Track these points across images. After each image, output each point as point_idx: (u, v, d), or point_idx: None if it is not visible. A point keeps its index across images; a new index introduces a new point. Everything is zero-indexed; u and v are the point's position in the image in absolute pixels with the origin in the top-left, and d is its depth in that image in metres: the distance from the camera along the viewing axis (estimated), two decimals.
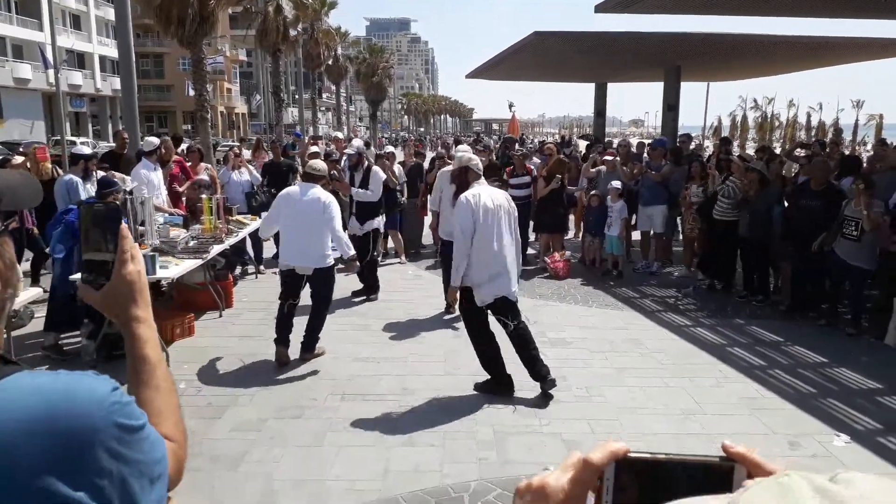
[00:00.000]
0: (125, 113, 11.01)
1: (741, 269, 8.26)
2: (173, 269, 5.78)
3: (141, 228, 6.13)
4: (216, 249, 6.66)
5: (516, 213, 5.21)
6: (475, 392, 5.12)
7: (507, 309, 5.07)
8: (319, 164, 6.10)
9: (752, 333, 6.72)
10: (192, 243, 6.59)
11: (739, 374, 5.58)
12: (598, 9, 11.76)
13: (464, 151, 5.68)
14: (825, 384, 5.42)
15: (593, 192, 9.48)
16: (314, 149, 10.56)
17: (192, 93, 19.43)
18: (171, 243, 6.32)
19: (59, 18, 44.62)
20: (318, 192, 5.71)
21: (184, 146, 10.70)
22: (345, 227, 6.23)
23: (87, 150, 6.71)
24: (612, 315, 7.33)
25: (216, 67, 60.45)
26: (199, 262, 6.22)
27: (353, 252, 5.93)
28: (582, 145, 18.23)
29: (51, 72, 26.71)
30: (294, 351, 5.79)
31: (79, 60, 47.37)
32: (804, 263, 7.05)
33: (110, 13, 47.59)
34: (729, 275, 8.34)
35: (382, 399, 4.98)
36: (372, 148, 14.35)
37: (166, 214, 7.41)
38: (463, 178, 5.11)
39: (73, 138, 38.60)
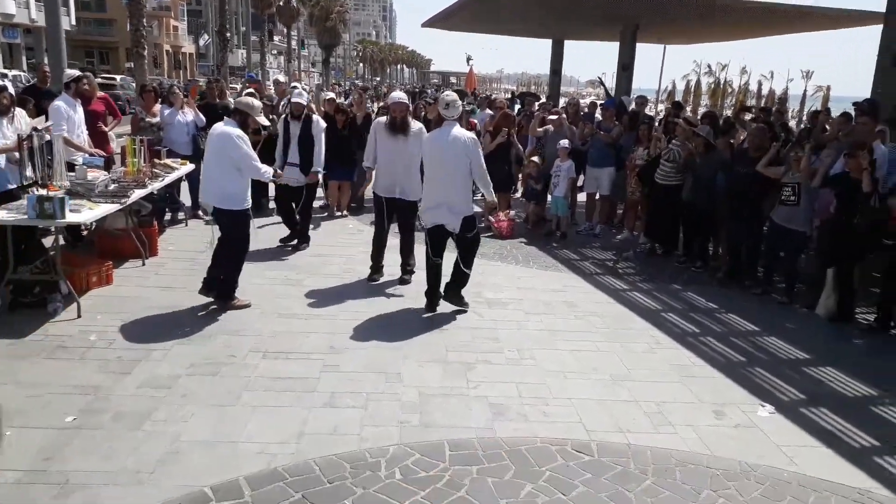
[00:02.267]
0: (50, 45, 10.31)
1: (682, 234, 8.26)
2: (86, 213, 5.38)
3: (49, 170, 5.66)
4: (137, 194, 6.26)
5: (470, 155, 5.62)
6: (404, 351, 4.96)
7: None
8: (247, 99, 5.76)
9: (687, 300, 6.73)
10: (111, 187, 6.16)
11: (672, 341, 5.56)
12: None
13: (447, 95, 5.92)
14: (755, 353, 5.45)
15: (533, 157, 9.29)
16: (250, 90, 10.03)
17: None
18: (87, 186, 5.89)
19: None
20: (226, 126, 5.42)
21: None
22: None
23: None
24: (550, 277, 7.24)
25: (162, 3, 57.73)
26: (116, 207, 5.82)
27: (269, 173, 5.69)
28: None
29: None
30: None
31: None
32: (739, 230, 7.08)
33: None
34: (672, 240, 8.33)
35: (307, 357, 4.78)
36: (324, 92, 13.83)
37: (85, 155, 6.91)
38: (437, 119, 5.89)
39: (5, 71, 36.46)
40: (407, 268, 6.72)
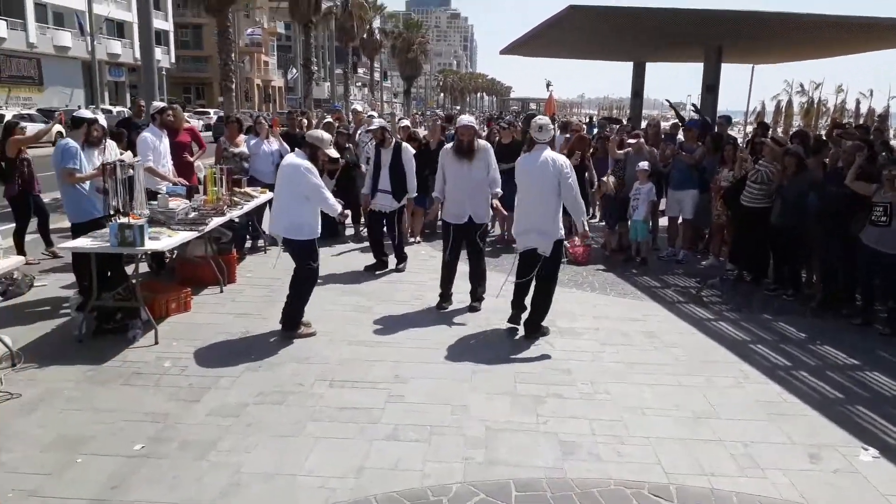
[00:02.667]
0: (143, 80, 10.86)
1: (772, 259, 7.76)
2: (165, 240, 5.55)
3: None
4: (215, 222, 6.42)
5: (559, 177, 5.56)
6: (472, 382, 4.81)
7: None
8: (317, 133, 5.90)
9: (778, 330, 6.27)
10: (191, 215, 6.35)
11: (761, 375, 5.16)
12: None
13: (540, 119, 5.91)
14: (854, 389, 4.98)
15: (610, 178, 8.98)
16: (328, 120, 10.24)
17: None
18: (168, 214, 6.09)
19: None
20: (295, 158, 5.53)
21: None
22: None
23: (88, 114, 6.49)
24: (629, 305, 6.93)
25: (254, 39, 60.65)
26: (194, 234, 5.98)
27: (338, 209, 5.69)
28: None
29: (89, 39, 26.90)
30: None
31: (118, 30, 47.68)
32: (834, 254, 6.57)
33: None
34: (761, 267, 7.83)
35: (373, 386, 4.70)
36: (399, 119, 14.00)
37: (169, 184, 7.18)
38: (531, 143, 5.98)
39: (111, 107, 39.09)
40: (476, 295, 6.58)
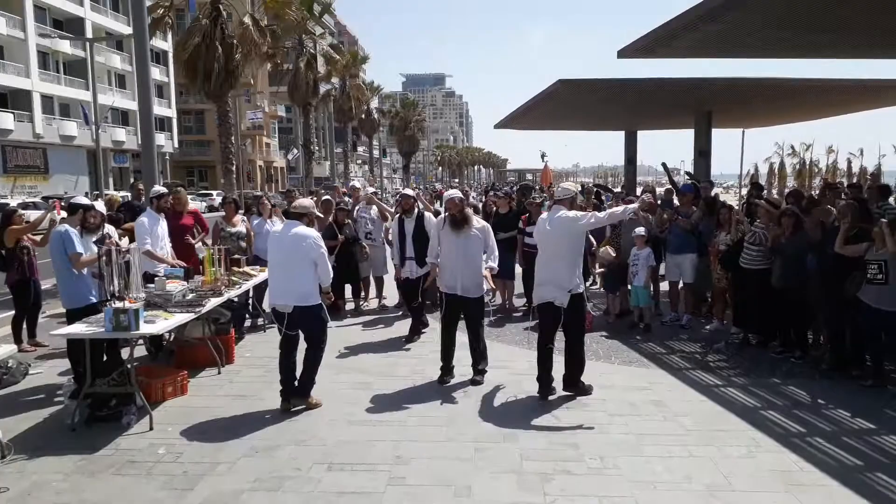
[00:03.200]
0: (143, 165, 11.03)
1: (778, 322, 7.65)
2: (161, 323, 5.48)
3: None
4: (213, 303, 6.37)
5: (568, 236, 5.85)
6: (475, 461, 4.64)
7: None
8: (304, 201, 6.12)
9: (789, 395, 6.11)
10: (188, 296, 6.31)
11: (774, 443, 4.99)
12: (620, 54, 11.53)
13: (568, 186, 6.57)
14: (872, 455, 4.80)
15: (606, 247, 8.98)
16: (326, 197, 10.35)
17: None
18: (165, 296, 6.05)
19: (105, 78, 46.46)
20: (299, 228, 5.68)
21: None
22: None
23: (85, 201, 6.53)
24: (635, 373, 6.79)
25: (255, 122, 62.24)
26: (191, 316, 5.92)
27: (328, 283, 5.86)
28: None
29: (94, 128, 27.57)
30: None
31: (123, 118, 49.04)
32: (839, 314, 6.49)
33: (155, 72, 49.45)
34: (767, 330, 7.71)
35: (372, 469, 4.53)
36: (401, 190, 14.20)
37: (167, 266, 7.17)
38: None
39: (114, 192, 39.73)
40: (478, 367, 6.46)
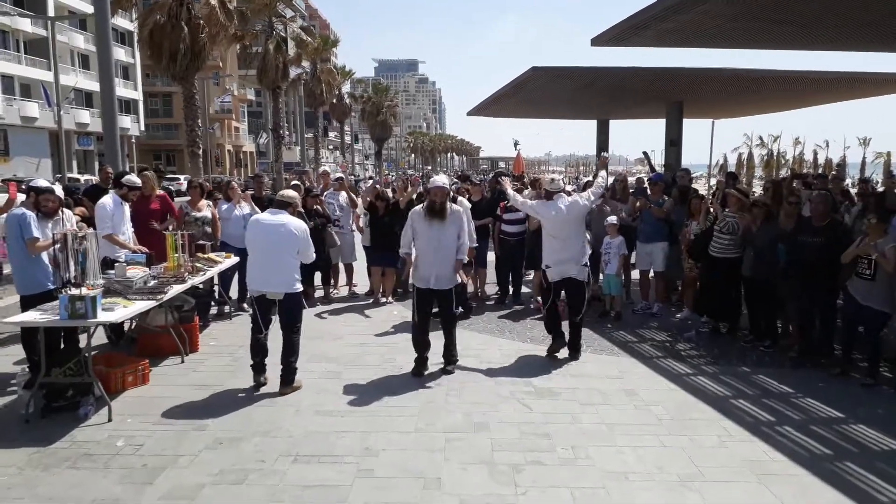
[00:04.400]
0: (106, 148, 10.69)
1: (746, 310, 7.70)
2: (120, 311, 5.27)
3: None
4: (175, 290, 6.17)
5: (580, 218, 6.84)
6: (446, 452, 4.55)
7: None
8: (290, 192, 6.11)
9: (759, 383, 6.13)
10: (150, 283, 6.10)
11: (745, 432, 4.98)
12: (594, 42, 11.48)
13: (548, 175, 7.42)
14: (842, 444, 4.81)
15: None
16: (295, 182, 10.14)
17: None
18: (125, 283, 5.84)
19: (68, 58, 45.17)
20: (286, 217, 5.78)
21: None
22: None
23: (43, 183, 6.25)
24: (606, 362, 6.75)
25: (224, 106, 61.14)
26: (152, 303, 5.72)
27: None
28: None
29: (56, 109, 26.78)
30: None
31: (87, 99, 47.75)
32: (810, 303, 6.52)
33: (119, 53, 48.23)
34: (732, 316, 7.77)
35: (340, 461, 4.42)
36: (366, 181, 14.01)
37: (128, 252, 6.92)
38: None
39: (78, 175, 38.71)
40: (451, 358, 6.37)
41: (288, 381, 5.73)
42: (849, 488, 4.14)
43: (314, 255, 6.01)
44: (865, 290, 6.01)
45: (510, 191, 7.43)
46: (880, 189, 10.60)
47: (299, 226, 5.82)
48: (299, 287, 5.83)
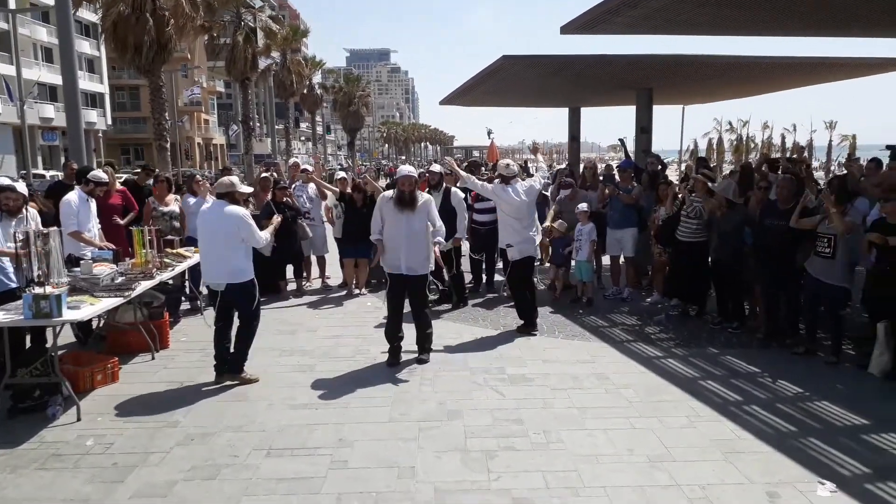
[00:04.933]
0: (70, 142, 10.48)
1: (714, 293, 7.83)
2: (86, 309, 5.19)
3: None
4: (143, 286, 6.10)
5: (533, 201, 7.39)
6: (419, 440, 4.58)
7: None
8: (226, 180, 5.94)
9: (726, 364, 6.25)
10: (118, 280, 6.02)
11: (713, 412, 5.09)
12: (563, 30, 11.50)
13: (503, 161, 7.74)
14: (806, 421, 4.94)
15: (559, 220, 9.00)
16: (265, 174, 10.05)
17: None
18: (92, 280, 5.75)
19: (31, 51, 44.10)
20: (227, 207, 5.69)
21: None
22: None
23: (3, 181, 6.10)
24: (578, 347, 6.83)
25: (193, 99, 60.17)
26: (119, 300, 5.65)
27: (266, 240, 5.95)
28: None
29: (18, 104, 26.16)
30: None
31: (51, 93, 46.69)
32: (775, 285, 6.66)
33: (84, 45, 47.22)
34: (699, 298, 7.90)
35: (313, 453, 4.42)
36: (349, 174, 13.93)
37: (94, 249, 6.82)
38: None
39: (44, 171, 37.90)
40: (423, 346, 6.38)
41: (234, 369, 5.77)
42: (813, 463, 4.25)
43: (263, 239, 5.81)
44: (825, 268, 6.14)
45: (462, 173, 7.80)
46: (842, 173, 10.78)
47: (236, 212, 5.65)
48: (246, 277, 5.72)
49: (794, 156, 19.58)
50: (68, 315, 4.99)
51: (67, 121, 10.47)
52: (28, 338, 5.78)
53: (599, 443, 4.56)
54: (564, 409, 5.16)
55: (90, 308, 5.24)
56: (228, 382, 5.73)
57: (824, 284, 6.16)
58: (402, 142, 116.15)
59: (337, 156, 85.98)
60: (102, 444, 4.61)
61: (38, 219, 6.34)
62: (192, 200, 8.51)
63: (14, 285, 5.62)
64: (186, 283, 8.41)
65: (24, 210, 6.03)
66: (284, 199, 8.95)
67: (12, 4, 38.57)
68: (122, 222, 8.17)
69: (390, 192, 6.40)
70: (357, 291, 9.35)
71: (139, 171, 10.18)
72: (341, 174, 10.59)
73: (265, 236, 5.89)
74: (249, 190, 6.08)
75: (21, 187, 6.27)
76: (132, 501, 3.83)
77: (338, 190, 9.44)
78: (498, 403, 5.29)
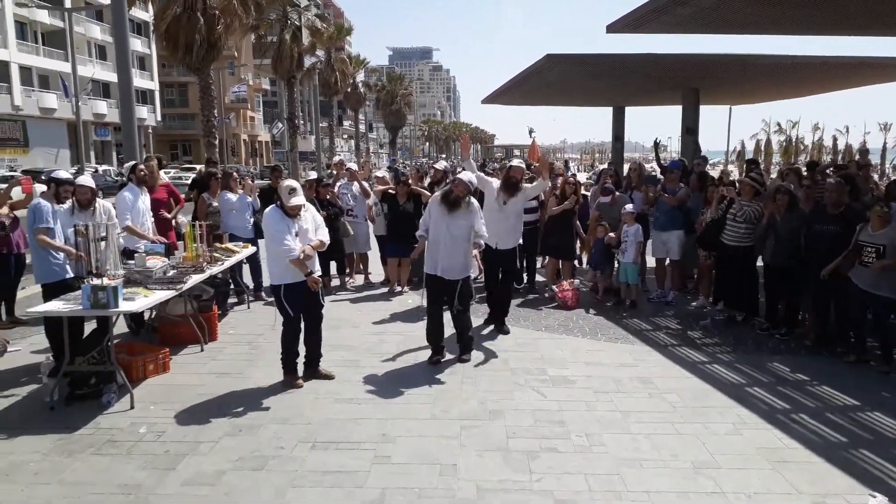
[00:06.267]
0: (124, 138, 10.81)
1: (763, 298, 7.67)
2: (140, 301, 5.37)
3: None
4: (194, 279, 6.26)
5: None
6: (461, 438, 4.61)
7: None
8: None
9: (774, 371, 6.13)
10: (169, 273, 6.19)
11: (759, 420, 5.00)
12: (609, 29, 11.40)
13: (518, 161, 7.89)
14: (857, 432, 4.82)
15: (601, 222, 8.94)
16: (312, 174, 10.19)
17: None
18: (145, 273, 5.93)
19: (85, 49, 45.51)
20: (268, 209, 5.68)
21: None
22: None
23: (64, 175, 6.36)
24: (621, 350, 6.78)
25: (239, 96, 61.35)
26: (172, 293, 5.81)
27: (293, 254, 5.43)
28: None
29: (74, 100, 27.02)
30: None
31: (104, 90, 48.14)
32: (824, 291, 6.50)
33: (136, 43, 48.50)
34: (751, 306, 7.73)
35: (357, 447, 4.49)
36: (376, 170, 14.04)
37: (147, 242, 7.03)
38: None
39: (97, 166, 39.10)
40: (465, 347, 6.38)
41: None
42: (863, 475, 4.15)
43: (282, 247, 5.41)
44: (872, 277, 5.98)
45: (479, 173, 7.45)
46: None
47: (265, 214, 5.67)
48: (273, 280, 5.65)
49: (858, 159, 18.82)
50: (124, 306, 5.17)
51: (121, 117, 10.79)
52: (85, 327, 5.99)
53: (643, 447, 4.53)
54: (607, 413, 5.14)
55: (144, 300, 5.41)
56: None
57: (870, 294, 6.00)
58: (442, 140, 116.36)
59: (379, 153, 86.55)
60: (154, 432, 4.76)
61: (112, 212, 6.52)
62: (231, 197, 8.63)
63: (69, 276, 5.83)
64: (234, 277, 8.54)
65: (94, 203, 6.24)
66: (327, 196, 9.07)
67: (68, 3, 39.85)
68: (168, 216, 8.35)
69: (440, 192, 6.45)
70: (399, 289, 9.43)
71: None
72: (381, 172, 10.69)
73: (288, 250, 5.44)
74: (298, 202, 5.52)
75: (89, 180, 6.48)
76: (183, 489, 3.95)
77: (380, 190, 9.55)
78: (540, 404, 5.29)
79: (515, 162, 7.89)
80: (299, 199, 5.50)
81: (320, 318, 5.85)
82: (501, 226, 7.18)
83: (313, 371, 5.86)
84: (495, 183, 7.46)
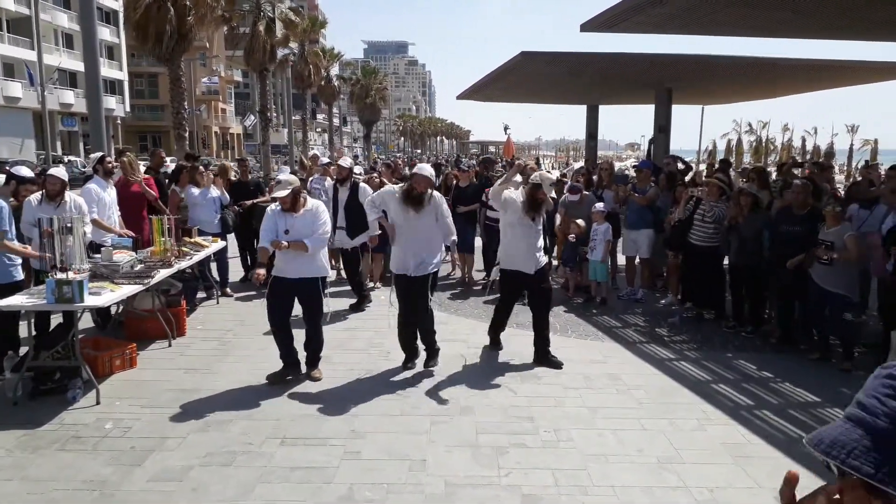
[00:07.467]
0: (91, 128, 10.61)
1: (730, 297, 7.81)
2: (107, 295, 5.30)
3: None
4: (162, 274, 6.19)
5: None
6: (431, 434, 4.63)
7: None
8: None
9: (739, 368, 6.25)
10: (137, 267, 6.12)
11: (724, 416, 5.10)
12: (583, 28, 11.47)
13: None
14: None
15: (578, 220, 9.00)
16: (286, 169, 10.12)
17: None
18: (112, 267, 5.85)
19: (52, 37, 44.51)
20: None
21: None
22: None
23: (25, 172, 6.21)
24: (590, 346, 6.85)
25: (211, 88, 60.56)
26: (139, 288, 5.74)
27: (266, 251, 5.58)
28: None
29: (39, 89, 26.44)
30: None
31: (71, 80, 47.14)
32: (787, 291, 6.65)
33: (104, 32, 47.53)
34: (718, 304, 7.87)
35: (326, 443, 4.49)
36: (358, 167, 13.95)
37: (114, 236, 6.92)
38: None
39: (63, 156, 38.28)
40: (432, 345, 6.29)
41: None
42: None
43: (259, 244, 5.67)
44: (826, 274, 6.14)
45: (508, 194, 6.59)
46: (858, 178, 10.72)
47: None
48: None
49: (822, 160, 19.27)
50: (90, 301, 5.09)
51: (88, 107, 10.59)
52: (51, 321, 5.89)
53: (609, 442, 4.59)
54: (575, 409, 5.19)
55: (111, 294, 5.34)
56: (255, 374, 5.71)
57: (826, 291, 6.16)
58: (418, 135, 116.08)
59: (353, 148, 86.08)
60: (120, 427, 4.70)
61: (84, 208, 6.38)
62: (194, 191, 8.51)
63: (20, 278, 5.67)
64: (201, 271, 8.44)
65: (63, 196, 6.09)
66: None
67: None
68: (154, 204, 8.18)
69: (397, 187, 6.13)
70: (371, 285, 9.40)
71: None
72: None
73: (261, 246, 5.66)
74: (280, 194, 5.55)
75: (61, 173, 6.34)
76: (150, 485, 3.91)
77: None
78: (509, 401, 5.33)
79: (538, 178, 6.28)
80: (281, 192, 5.49)
81: (314, 315, 5.77)
82: (531, 241, 6.34)
83: (308, 371, 5.81)
84: (519, 198, 6.26)
